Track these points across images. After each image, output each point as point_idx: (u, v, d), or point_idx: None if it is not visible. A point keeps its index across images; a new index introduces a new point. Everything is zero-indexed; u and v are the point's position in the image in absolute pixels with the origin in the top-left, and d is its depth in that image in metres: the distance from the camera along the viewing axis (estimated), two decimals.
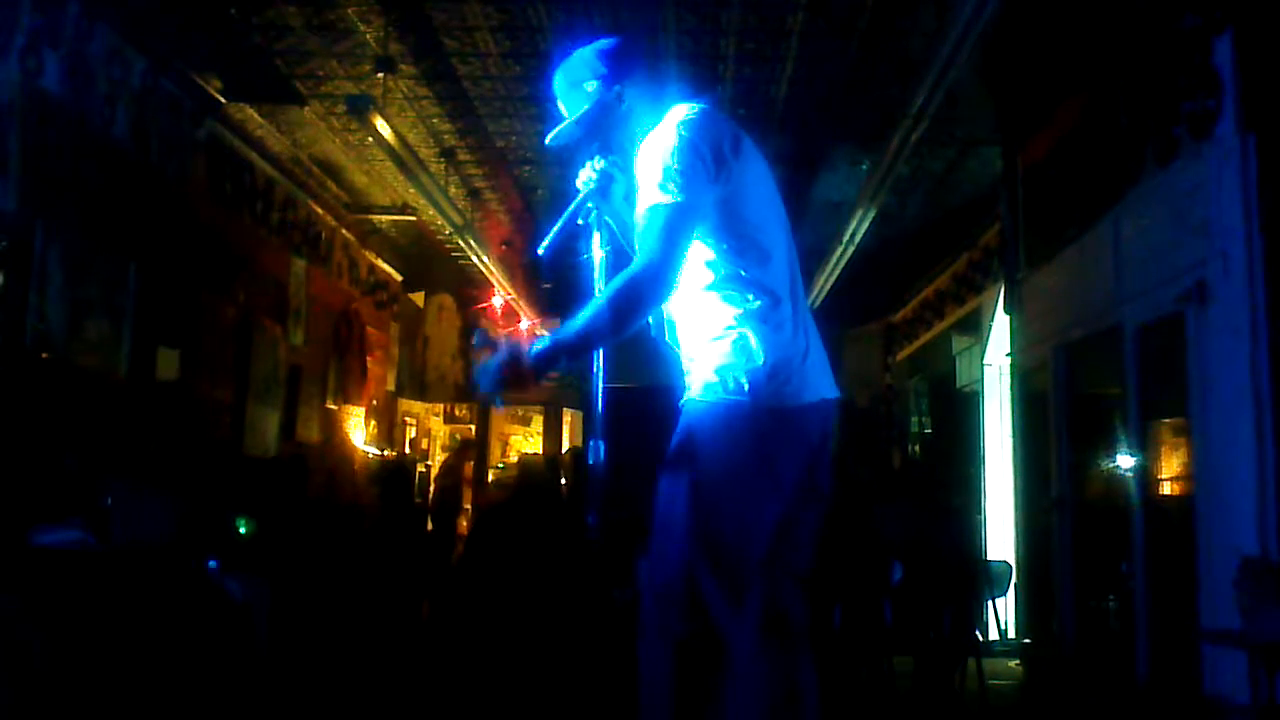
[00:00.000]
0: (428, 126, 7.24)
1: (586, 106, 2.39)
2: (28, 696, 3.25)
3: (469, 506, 10.67)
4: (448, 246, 9.66)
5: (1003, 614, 6.64)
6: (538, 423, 13.68)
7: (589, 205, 2.38)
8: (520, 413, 13.90)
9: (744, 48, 5.93)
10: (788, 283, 2.29)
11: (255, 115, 6.94)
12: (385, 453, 10.17)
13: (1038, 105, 6.19)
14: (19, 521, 3.92)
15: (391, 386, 10.86)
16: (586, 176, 2.40)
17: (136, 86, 5.64)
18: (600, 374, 2.34)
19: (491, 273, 9.46)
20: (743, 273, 2.24)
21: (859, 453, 9.89)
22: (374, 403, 10.08)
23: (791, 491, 2.20)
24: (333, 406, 8.96)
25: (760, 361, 2.18)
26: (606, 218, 2.42)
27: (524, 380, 2.19)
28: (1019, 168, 6.69)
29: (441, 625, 6.39)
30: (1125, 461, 5.29)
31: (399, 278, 10.89)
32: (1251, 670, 3.52)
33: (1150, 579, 4.93)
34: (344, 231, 9.19)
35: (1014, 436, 7.10)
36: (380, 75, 6.04)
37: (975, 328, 8.40)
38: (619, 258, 2.36)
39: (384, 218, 9.33)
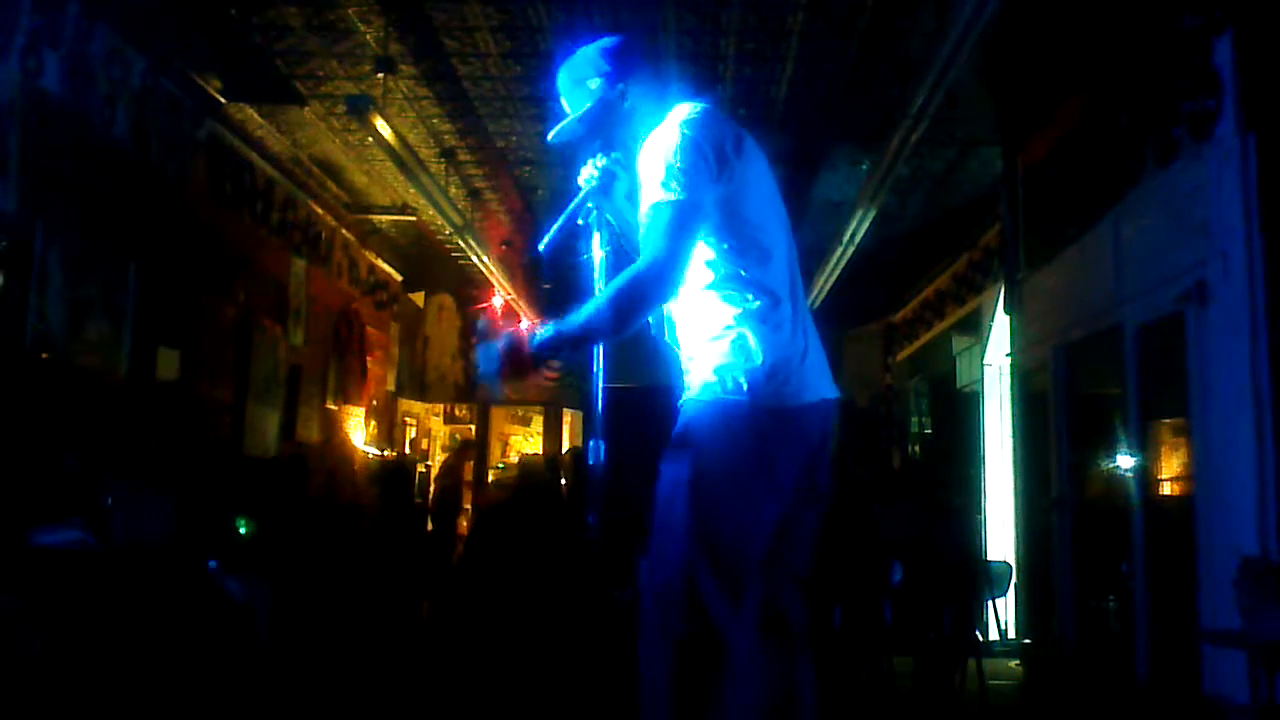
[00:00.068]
0: (428, 126, 7.24)
1: (589, 104, 2.39)
2: (28, 696, 3.25)
3: (469, 506, 10.67)
4: (448, 246, 9.65)
5: (1003, 614, 6.64)
6: (538, 423, 13.66)
7: (590, 204, 2.38)
8: (520, 413, 13.87)
9: (744, 48, 5.93)
10: (787, 283, 2.29)
11: (255, 115, 6.94)
12: (385, 453, 10.16)
13: (1038, 105, 6.19)
14: (19, 521, 3.92)
15: (391, 386, 10.85)
16: (589, 174, 2.40)
17: (136, 86, 5.64)
18: (600, 374, 2.34)
19: (491, 273, 9.45)
20: (743, 272, 2.24)
21: (859, 453, 9.86)
22: (374, 403, 10.07)
23: (791, 492, 2.20)
24: (333, 406, 8.96)
25: (759, 361, 2.18)
26: (608, 216, 2.42)
27: (525, 367, 2.20)
28: (1019, 168, 6.69)
29: (441, 625, 6.40)
30: (1125, 461, 5.29)
31: (399, 278, 10.89)
32: (1251, 670, 3.53)
33: (1150, 579, 4.93)
34: (344, 231, 9.19)
35: (1014, 437, 7.10)
36: (380, 75, 6.04)
37: (975, 328, 8.40)
38: (619, 258, 2.36)
39: (384, 218, 9.33)
